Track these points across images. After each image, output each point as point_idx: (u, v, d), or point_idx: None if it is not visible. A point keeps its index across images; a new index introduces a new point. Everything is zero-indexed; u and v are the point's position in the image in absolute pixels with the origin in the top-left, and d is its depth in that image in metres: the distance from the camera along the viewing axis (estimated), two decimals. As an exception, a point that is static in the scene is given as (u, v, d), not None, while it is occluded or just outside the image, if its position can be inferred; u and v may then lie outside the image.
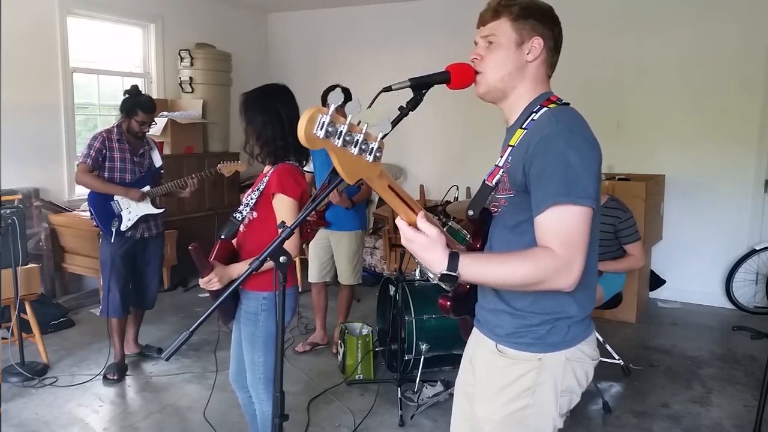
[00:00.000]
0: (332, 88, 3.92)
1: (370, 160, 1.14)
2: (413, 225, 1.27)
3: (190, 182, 3.79)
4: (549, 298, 1.42)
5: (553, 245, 1.30)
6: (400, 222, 1.28)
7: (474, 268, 1.29)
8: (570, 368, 1.46)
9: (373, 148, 1.13)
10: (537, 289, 1.34)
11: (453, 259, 1.26)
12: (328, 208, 3.89)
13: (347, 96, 3.78)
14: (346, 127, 1.08)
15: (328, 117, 1.05)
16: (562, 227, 1.31)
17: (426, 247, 1.26)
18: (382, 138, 1.15)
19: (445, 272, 1.26)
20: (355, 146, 1.10)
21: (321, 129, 1.05)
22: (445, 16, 6.00)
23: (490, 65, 1.45)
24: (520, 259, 1.31)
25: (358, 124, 1.11)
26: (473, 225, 1.53)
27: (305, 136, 1.05)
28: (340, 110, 1.09)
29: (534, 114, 1.42)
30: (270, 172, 2.32)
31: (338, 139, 1.08)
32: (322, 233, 3.99)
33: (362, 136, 1.11)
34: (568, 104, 1.46)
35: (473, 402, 1.57)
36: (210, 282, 2.16)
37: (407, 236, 1.27)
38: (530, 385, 1.45)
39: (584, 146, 1.35)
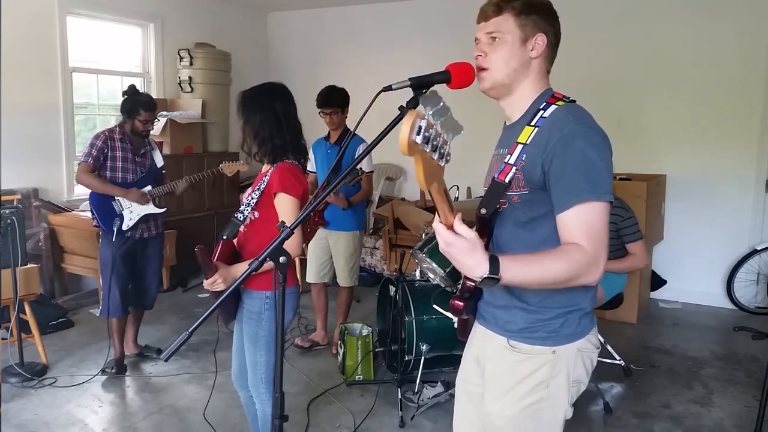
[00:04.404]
0: (330, 88, 3.90)
1: (442, 165, 1.08)
2: (450, 228, 1.23)
3: (181, 186, 3.79)
4: (562, 293, 1.44)
5: (582, 241, 1.32)
6: (438, 225, 1.24)
7: (515, 271, 1.27)
8: (580, 358, 1.48)
9: (445, 152, 1.06)
10: (568, 286, 1.35)
11: (494, 263, 1.23)
12: (326, 208, 3.88)
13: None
14: (434, 131, 1.01)
15: (425, 122, 0.98)
16: (588, 223, 1.33)
17: (466, 251, 1.22)
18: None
19: (487, 276, 1.23)
20: (435, 151, 1.03)
21: (419, 135, 0.97)
22: (445, 16, 5.99)
23: (495, 62, 1.45)
24: (555, 258, 1.31)
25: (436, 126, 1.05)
26: (479, 223, 1.52)
27: (407, 144, 0.97)
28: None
29: (542, 111, 1.42)
30: (270, 171, 2.30)
31: (428, 144, 1.00)
32: (320, 233, 3.98)
33: (441, 140, 1.04)
34: (574, 101, 1.46)
35: (483, 400, 1.56)
36: (215, 283, 2.16)
37: (447, 240, 1.22)
38: (544, 379, 1.46)
39: (602, 143, 1.38)
